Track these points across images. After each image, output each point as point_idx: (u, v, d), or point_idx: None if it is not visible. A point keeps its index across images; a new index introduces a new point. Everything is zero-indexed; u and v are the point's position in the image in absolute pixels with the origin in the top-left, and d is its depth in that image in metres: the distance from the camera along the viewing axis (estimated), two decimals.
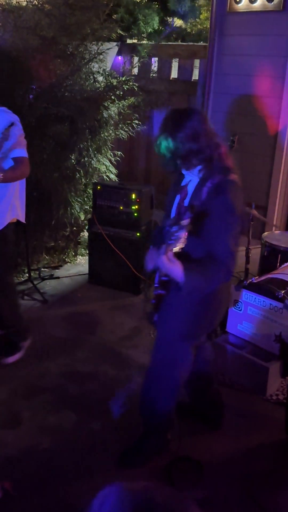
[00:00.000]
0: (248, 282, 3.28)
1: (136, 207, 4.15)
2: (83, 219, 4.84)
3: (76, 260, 4.91)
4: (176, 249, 1.96)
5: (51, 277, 4.49)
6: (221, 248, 2.01)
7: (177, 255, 2.03)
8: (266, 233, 4.10)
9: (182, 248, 2.06)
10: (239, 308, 3.22)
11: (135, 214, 4.15)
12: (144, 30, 6.45)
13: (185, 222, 1.91)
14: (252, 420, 2.75)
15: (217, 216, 2.01)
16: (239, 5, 4.95)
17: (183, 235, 1.91)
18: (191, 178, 2.16)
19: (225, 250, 2.02)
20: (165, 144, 2.04)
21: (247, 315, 3.19)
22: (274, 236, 3.97)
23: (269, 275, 3.33)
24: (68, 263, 4.83)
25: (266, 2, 4.75)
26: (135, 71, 5.77)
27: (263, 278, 3.31)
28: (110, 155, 4.94)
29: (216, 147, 2.09)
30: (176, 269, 1.96)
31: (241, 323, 3.23)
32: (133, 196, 4.14)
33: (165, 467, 2.40)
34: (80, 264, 4.82)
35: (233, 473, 2.42)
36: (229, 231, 2.03)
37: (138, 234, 4.14)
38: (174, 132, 2.01)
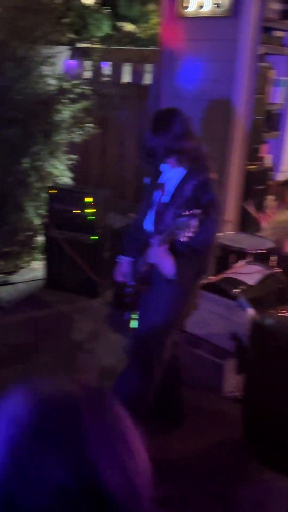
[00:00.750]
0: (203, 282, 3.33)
1: (92, 210, 4.14)
2: (38, 223, 4.78)
3: (31, 265, 4.84)
4: (185, 238, 2.03)
5: (6, 283, 4.41)
6: (204, 240, 2.13)
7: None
8: (220, 234, 4.17)
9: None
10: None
11: (91, 218, 4.14)
12: (95, 34, 6.45)
13: (197, 211, 2.00)
14: (210, 418, 2.79)
15: (207, 212, 2.08)
16: (188, 10, 5.02)
17: (195, 223, 1.99)
18: (172, 175, 2.25)
19: (207, 241, 2.17)
20: (159, 142, 2.13)
21: (203, 314, 3.23)
22: (227, 236, 4.04)
23: (223, 275, 3.39)
24: (23, 268, 4.76)
25: (215, 8, 4.84)
26: (87, 74, 5.75)
27: (217, 277, 3.37)
28: (65, 158, 4.91)
29: (200, 146, 2.23)
30: (170, 263, 2.08)
31: (197, 322, 3.27)
32: (89, 199, 4.13)
33: None
34: (35, 269, 4.76)
35: (193, 471, 2.45)
36: (212, 226, 2.16)
37: (94, 237, 4.13)
38: (169, 130, 2.12)
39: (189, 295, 2.35)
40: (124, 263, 2.49)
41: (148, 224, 2.35)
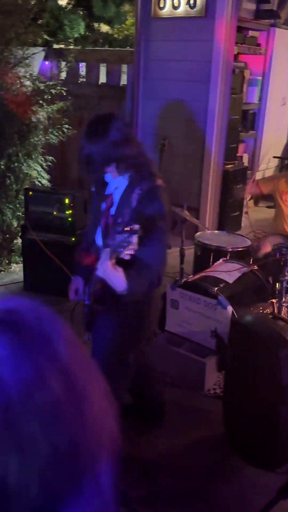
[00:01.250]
0: (183, 281, 3.35)
1: (70, 211, 4.12)
2: (16, 226, 4.76)
3: (11, 268, 4.81)
4: (126, 255, 1.88)
5: None
6: (152, 254, 1.99)
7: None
8: (198, 233, 4.20)
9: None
10: (175, 306, 3.28)
11: (69, 219, 4.12)
12: (71, 35, 6.44)
13: (136, 226, 1.86)
14: (192, 415, 2.80)
15: (150, 222, 1.98)
16: (163, 11, 5.05)
17: (135, 240, 1.85)
18: (117, 185, 2.11)
19: (156, 255, 2.01)
20: (95, 150, 1.96)
21: (184, 313, 3.26)
22: (206, 236, 4.07)
23: (203, 273, 3.41)
24: (2, 272, 4.72)
25: (189, 8, 4.88)
26: (63, 75, 5.74)
27: (197, 276, 3.39)
28: (41, 160, 4.89)
29: (142, 152, 2.09)
30: (119, 277, 1.88)
31: (178, 321, 3.29)
32: (67, 201, 4.11)
33: None
34: (14, 272, 4.73)
35: (177, 468, 2.46)
36: (160, 237, 2.01)
37: (73, 238, 4.11)
38: (106, 136, 1.95)
39: (143, 311, 2.21)
40: (76, 281, 2.35)
41: (98, 238, 2.23)
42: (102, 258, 1.90)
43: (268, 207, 6.25)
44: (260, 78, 6.00)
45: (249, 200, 6.43)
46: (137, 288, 1.96)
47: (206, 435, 2.68)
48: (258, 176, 6.46)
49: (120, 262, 1.97)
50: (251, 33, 5.70)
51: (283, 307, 3.21)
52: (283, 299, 3.10)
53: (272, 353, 2.31)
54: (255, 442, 2.44)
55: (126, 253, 1.89)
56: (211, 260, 3.75)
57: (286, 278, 3.05)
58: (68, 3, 7.36)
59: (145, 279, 1.99)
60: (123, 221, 2.03)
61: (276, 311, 3.16)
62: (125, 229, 1.88)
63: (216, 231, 4.38)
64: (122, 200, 2.07)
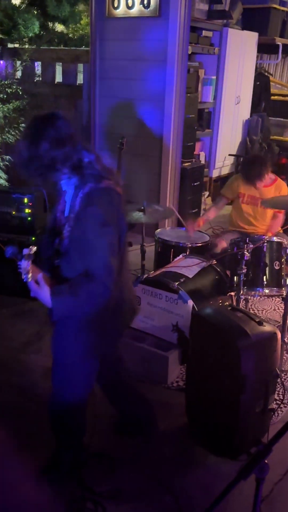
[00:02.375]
0: (144, 277, 3.37)
1: (29, 211, 4.08)
2: None
3: None
4: (29, 278, 1.83)
5: None
6: (95, 263, 1.84)
7: (55, 275, 1.95)
8: (158, 230, 4.24)
9: (57, 268, 1.97)
10: (138, 303, 3.30)
11: (29, 219, 4.09)
12: (25, 34, 6.36)
13: (25, 251, 1.83)
14: (156, 408, 2.82)
15: (88, 229, 1.86)
16: (117, 10, 5.06)
17: (27, 265, 1.82)
18: (67, 189, 2.00)
19: (100, 264, 1.84)
20: (26, 154, 1.84)
21: (146, 308, 3.28)
22: (165, 232, 4.12)
23: (164, 269, 3.45)
24: None
25: (143, 8, 4.90)
26: (18, 74, 5.67)
27: (158, 272, 3.42)
28: None
29: (85, 152, 1.93)
30: (44, 294, 1.83)
31: (141, 317, 3.31)
32: (26, 200, 4.07)
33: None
34: None
35: (142, 461, 2.48)
36: (102, 243, 1.85)
37: (33, 238, 4.07)
38: (36, 139, 1.83)
39: (101, 314, 1.98)
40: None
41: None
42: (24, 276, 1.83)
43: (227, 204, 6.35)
44: (214, 77, 6.09)
45: (207, 197, 6.53)
46: (67, 304, 1.86)
47: (171, 427, 2.71)
48: (215, 174, 6.57)
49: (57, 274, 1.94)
50: (204, 33, 5.78)
51: (241, 299, 3.28)
52: (241, 292, 3.17)
53: (231, 344, 2.36)
54: (217, 431, 2.49)
55: (26, 278, 1.83)
56: (172, 256, 3.80)
57: (243, 271, 3.11)
58: (22, 2, 7.26)
59: (82, 292, 1.84)
60: (69, 230, 1.93)
61: (234, 303, 3.23)
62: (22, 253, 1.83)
63: (175, 228, 4.42)
64: (71, 204, 1.95)
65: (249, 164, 3.82)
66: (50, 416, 2.31)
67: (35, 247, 1.89)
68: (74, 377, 2.16)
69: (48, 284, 1.88)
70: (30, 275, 1.83)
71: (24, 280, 1.84)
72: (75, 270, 1.90)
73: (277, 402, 2.89)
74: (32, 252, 1.85)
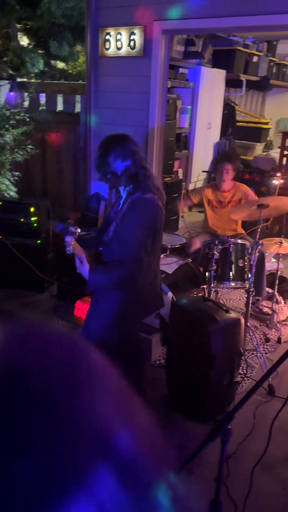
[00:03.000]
0: None
1: (35, 218, 4.05)
2: None
3: None
4: (70, 251, 1.99)
5: None
6: (127, 254, 1.97)
7: (98, 258, 2.09)
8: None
9: (101, 253, 2.10)
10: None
11: (35, 225, 4.05)
12: (32, 70, 6.30)
13: (71, 229, 1.97)
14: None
15: (128, 228, 1.99)
16: (108, 51, 5.03)
17: (70, 240, 1.96)
18: (123, 194, 2.11)
19: (130, 255, 1.96)
20: (98, 161, 2.02)
21: None
22: None
23: None
24: None
25: (130, 49, 4.88)
26: (26, 104, 5.61)
27: None
28: (9, 175, 4.77)
29: (142, 168, 2.04)
30: (84, 269, 1.98)
31: None
32: (32, 209, 4.04)
33: None
34: None
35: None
36: (135, 240, 1.96)
37: (38, 241, 4.04)
38: (106, 151, 2.00)
39: (127, 299, 2.10)
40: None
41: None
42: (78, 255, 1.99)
43: (199, 211, 6.37)
44: (189, 107, 6.09)
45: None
46: (100, 280, 1.99)
47: (154, 398, 2.71)
48: (191, 187, 6.57)
49: (98, 257, 2.09)
50: (181, 70, 5.78)
51: (212, 291, 3.29)
52: (212, 285, 3.17)
53: (203, 329, 2.36)
54: (192, 400, 2.49)
55: (68, 250, 1.97)
56: None
57: (213, 268, 3.12)
58: (29, 44, 7.20)
59: (112, 273, 1.99)
60: (115, 225, 2.06)
61: (206, 294, 3.23)
62: (71, 229, 1.96)
63: None
64: (121, 207, 2.07)
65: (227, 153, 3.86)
66: None
67: (79, 229, 2.03)
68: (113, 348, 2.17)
69: (89, 263, 2.03)
70: (71, 247, 1.97)
71: (67, 252, 1.99)
72: (113, 257, 2.03)
73: (241, 376, 2.90)
74: (77, 232, 1.99)
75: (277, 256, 3.52)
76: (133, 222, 1.98)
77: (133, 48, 4.85)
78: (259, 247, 3.09)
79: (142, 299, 2.18)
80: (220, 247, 3.11)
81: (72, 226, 2.00)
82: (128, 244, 1.97)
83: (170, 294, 3.11)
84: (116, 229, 2.05)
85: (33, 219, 4.04)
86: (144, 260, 1.99)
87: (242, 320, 2.50)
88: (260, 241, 3.09)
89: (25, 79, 6.30)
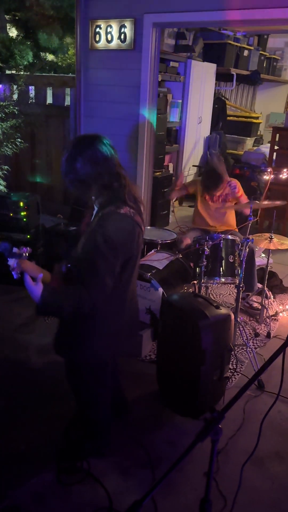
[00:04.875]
0: None
1: (25, 213, 4.00)
2: None
3: None
4: (17, 275, 1.70)
5: None
6: (90, 275, 1.67)
7: (67, 275, 1.81)
8: None
9: (69, 270, 1.80)
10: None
11: (24, 219, 4.01)
12: (21, 62, 6.20)
13: (15, 249, 1.73)
14: (132, 378, 2.82)
15: (95, 245, 1.67)
16: (98, 44, 4.97)
17: (13, 263, 1.70)
18: (95, 206, 1.82)
19: (92, 278, 1.67)
20: (64, 167, 1.73)
21: None
22: None
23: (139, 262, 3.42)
24: None
25: (120, 42, 4.83)
26: (15, 97, 5.53)
27: None
28: None
29: (117, 176, 1.76)
30: (36, 291, 1.64)
31: None
32: (21, 204, 3.99)
33: (64, 428, 2.37)
34: None
35: (119, 422, 2.46)
36: (101, 260, 1.67)
37: (28, 236, 4.00)
38: (74, 155, 1.71)
39: (98, 325, 1.84)
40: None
41: None
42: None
43: (190, 206, 6.36)
44: (180, 101, 6.05)
45: (175, 201, 6.51)
46: (51, 304, 1.67)
47: (143, 393, 2.70)
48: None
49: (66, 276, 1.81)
50: (172, 63, 5.73)
51: (202, 287, 3.29)
52: (202, 281, 3.17)
53: (193, 324, 2.36)
54: (182, 396, 2.49)
55: (15, 274, 1.70)
56: (145, 251, 3.77)
57: (204, 263, 3.11)
58: (17, 35, 7.08)
59: (66, 298, 1.68)
60: (83, 240, 1.77)
61: (196, 290, 3.23)
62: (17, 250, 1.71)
63: (148, 227, 4.39)
64: (93, 220, 1.79)
65: (208, 177, 3.77)
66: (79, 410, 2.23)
67: (30, 249, 1.76)
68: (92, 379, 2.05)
69: (51, 282, 1.78)
70: (18, 271, 1.69)
71: (14, 277, 1.71)
72: (79, 276, 1.73)
73: (231, 371, 2.91)
74: (24, 253, 1.72)
75: (267, 252, 3.53)
76: (101, 239, 1.66)
77: (123, 41, 4.79)
78: (250, 242, 3.09)
79: (111, 332, 1.90)
80: (210, 243, 3.11)
81: (18, 247, 1.73)
82: (92, 263, 1.67)
83: (160, 290, 3.10)
84: (83, 246, 1.75)
85: (22, 213, 3.99)
86: (109, 286, 1.70)
87: (232, 316, 2.50)
88: (250, 237, 3.09)
89: (14, 72, 6.21)
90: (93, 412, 2.17)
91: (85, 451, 2.23)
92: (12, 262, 1.71)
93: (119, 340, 1.97)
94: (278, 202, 3.26)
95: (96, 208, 1.81)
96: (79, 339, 1.89)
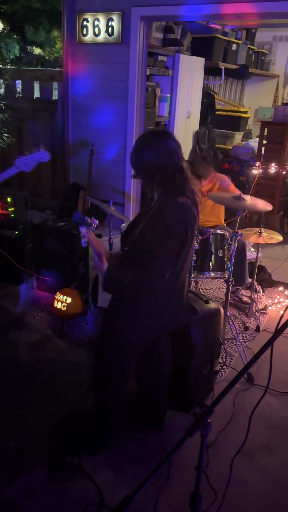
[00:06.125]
0: None
1: (13, 209, 3.97)
2: None
3: None
4: (85, 243, 1.91)
5: None
6: (150, 260, 1.79)
7: (123, 257, 1.98)
8: (123, 224, 4.19)
9: (125, 252, 1.97)
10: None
11: (12, 215, 3.97)
12: (7, 56, 6.10)
13: (87, 219, 1.89)
14: None
15: (154, 231, 1.80)
16: (86, 37, 4.93)
17: (85, 231, 1.88)
18: (156, 194, 1.94)
19: (153, 262, 1.78)
20: (133, 156, 1.87)
21: None
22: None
23: None
24: None
25: (108, 36, 4.79)
26: (1, 91, 5.46)
27: None
28: None
29: (180, 169, 1.87)
30: (102, 268, 1.87)
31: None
32: (9, 199, 3.95)
33: (55, 424, 2.36)
34: None
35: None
36: (161, 246, 1.79)
37: (16, 232, 3.96)
38: (142, 147, 1.85)
39: (147, 309, 1.96)
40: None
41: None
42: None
43: None
44: (169, 95, 6.03)
45: None
46: (116, 281, 1.86)
47: (135, 387, 2.70)
48: None
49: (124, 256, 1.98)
50: (160, 57, 5.70)
51: (192, 281, 3.30)
52: (192, 275, 3.18)
53: None
54: (173, 390, 2.50)
55: (83, 242, 1.90)
56: None
57: (193, 258, 3.12)
58: (3, 29, 6.97)
59: (131, 277, 1.82)
60: (142, 226, 1.90)
61: None
62: (88, 220, 1.88)
63: None
64: (152, 208, 1.90)
65: (194, 166, 3.82)
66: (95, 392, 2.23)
67: (98, 222, 1.92)
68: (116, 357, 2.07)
69: (109, 261, 1.93)
70: (86, 240, 1.88)
71: (82, 244, 1.91)
72: (136, 259, 1.87)
73: (221, 364, 2.93)
74: (93, 224, 1.89)
75: (256, 246, 3.55)
76: (160, 226, 1.79)
77: (111, 34, 4.76)
78: (239, 237, 3.10)
79: (161, 313, 2.00)
80: (200, 237, 3.11)
81: (90, 217, 1.91)
82: (152, 249, 1.79)
83: None
84: (143, 230, 1.88)
85: (10, 209, 3.95)
86: (168, 269, 1.81)
87: (222, 310, 2.51)
88: (239, 231, 3.10)
89: (0, 66, 6.11)
90: (105, 398, 2.17)
91: (80, 447, 2.22)
92: (83, 230, 1.88)
93: (157, 326, 2.05)
94: (261, 207, 3.18)
95: (155, 197, 1.93)
96: (122, 314, 2.00)
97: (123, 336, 2.01)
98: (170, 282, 1.88)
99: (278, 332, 1.19)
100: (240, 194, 3.15)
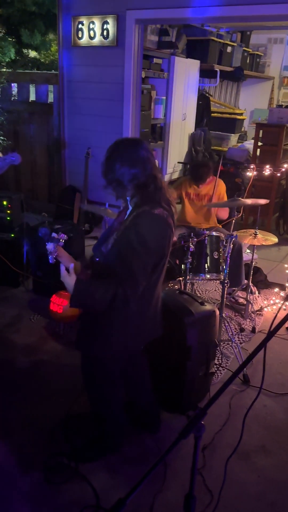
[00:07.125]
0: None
1: (8, 212, 3.97)
2: None
3: None
4: (53, 260, 1.78)
5: None
6: (124, 274, 1.70)
7: (94, 269, 1.87)
8: None
9: (97, 264, 1.88)
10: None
11: (8, 218, 3.97)
12: (2, 59, 6.12)
13: (54, 235, 1.79)
14: None
15: (129, 243, 1.72)
16: (81, 40, 4.94)
17: (52, 247, 1.77)
18: (130, 205, 1.87)
19: (128, 276, 1.69)
20: (104, 167, 1.81)
21: None
22: None
23: None
24: None
25: (103, 39, 4.80)
26: None
27: None
28: None
29: (153, 178, 1.81)
30: (70, 282, 1.72)
31: None
32: (5, 202, 3.96)
33: (50, 429, 2.36)
34: None
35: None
36: (136, 260, 1.71)
37: (12, 235, 3.96)
38: (113, 156, 1.79)
39: (123, 322, 1.90)
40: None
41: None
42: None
43: (176, 203, 6.36)
44: (164, 97, 6.05)
45: None
46: (86, 296, 1.72)
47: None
48: (166, 178, 6.55)
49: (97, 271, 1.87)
50: (155, 60, 5.72)
51: (188, 283, 3.30)
52: (188, 277, 3.18)
53: (179, 321, 2.37)
54: (169, 392, 2.50)
55: (51, 258, 1.78)
56: None
57: (189, 260, 3.13)
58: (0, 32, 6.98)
59: (102, 291, 1.69)
60: (116, 237, 1.83)
61: (182, 287, 3.24)
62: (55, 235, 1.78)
63: None
64: (127, 219, 1.82)
65: (196, 168, 3.87)
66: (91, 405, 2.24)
67: (66, 236, 1.83)
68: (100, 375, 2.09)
69: (79, 274, 1.82)
70: (54, 256, 1.78)
71: (50, 261, 1.79)
72: (109, 271, 1.76)
73: (217, 366, 2.93)
74: (61, 239, 1.80)
75: (252, 247, 3.56)
76: (136, 240, 1.71)
77: (106, 37, 4.77)
78: (234, 238, 3.11)
79: (140, 327, 1.95)
80: (195, 239, 3.12)
81: (57, 232, 1.81)
82: (127, 263, 1.70)
83: None
84: (116, 242, 1.81)
85: (6, 212, 3.96)
86: (142, 283, 1.74)
87: (217, 312, 2.51)
88: (235, 233, 3.11)
89: None
90: (102, 410, 2.19)
91: (80, 454, 2.21)
92: (50, 246, 1.78)
93: (137, 340, 2.01)
94: (261, 201, 3.27)
95: (130, 208, 1.86)
96: (99, 333, 1.93)
97: (107, 355, 1.98)
98: (145, 295, 1.84)
99: (271, 333, 1.20)
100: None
